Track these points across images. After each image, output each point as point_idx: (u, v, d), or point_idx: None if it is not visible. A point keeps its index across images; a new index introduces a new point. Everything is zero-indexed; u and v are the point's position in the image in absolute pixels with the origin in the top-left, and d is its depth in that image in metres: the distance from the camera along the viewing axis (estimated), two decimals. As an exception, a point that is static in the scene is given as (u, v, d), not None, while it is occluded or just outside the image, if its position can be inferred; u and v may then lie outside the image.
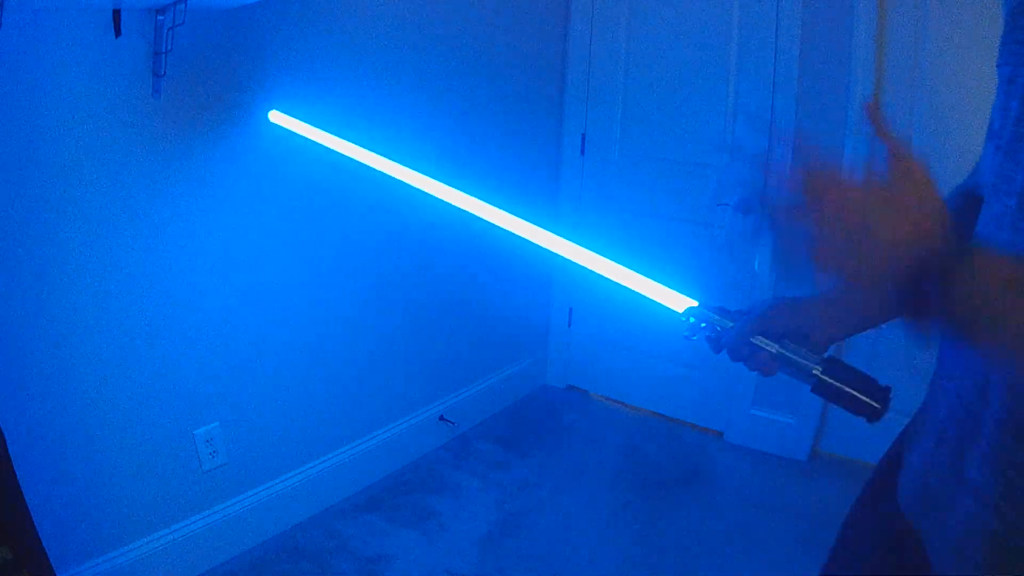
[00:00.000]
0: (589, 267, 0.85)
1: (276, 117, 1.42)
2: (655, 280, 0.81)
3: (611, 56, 2.45)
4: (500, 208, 0.92)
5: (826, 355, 0.69)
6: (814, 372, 0.68)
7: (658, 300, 0.80)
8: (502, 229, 0.89)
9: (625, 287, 0.83)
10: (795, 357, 0.69)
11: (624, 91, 2.45)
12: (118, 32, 1.29)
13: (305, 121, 1.35)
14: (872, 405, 0.65)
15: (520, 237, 0.87)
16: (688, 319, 0.76)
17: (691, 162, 2.35)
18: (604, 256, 0.85)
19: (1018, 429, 0.50)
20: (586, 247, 0.85)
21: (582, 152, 2.58)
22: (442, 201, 0.99)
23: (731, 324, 0.74)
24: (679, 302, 0.78)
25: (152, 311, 1.50)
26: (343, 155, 1.21)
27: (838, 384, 0.67)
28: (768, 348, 0.71)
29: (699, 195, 2.34)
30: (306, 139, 1.33)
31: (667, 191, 2.42)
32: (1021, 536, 0.49)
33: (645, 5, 2.34)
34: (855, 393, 0.66)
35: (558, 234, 0.88)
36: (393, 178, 1.10)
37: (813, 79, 2.07)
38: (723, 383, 2.45)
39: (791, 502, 2.10)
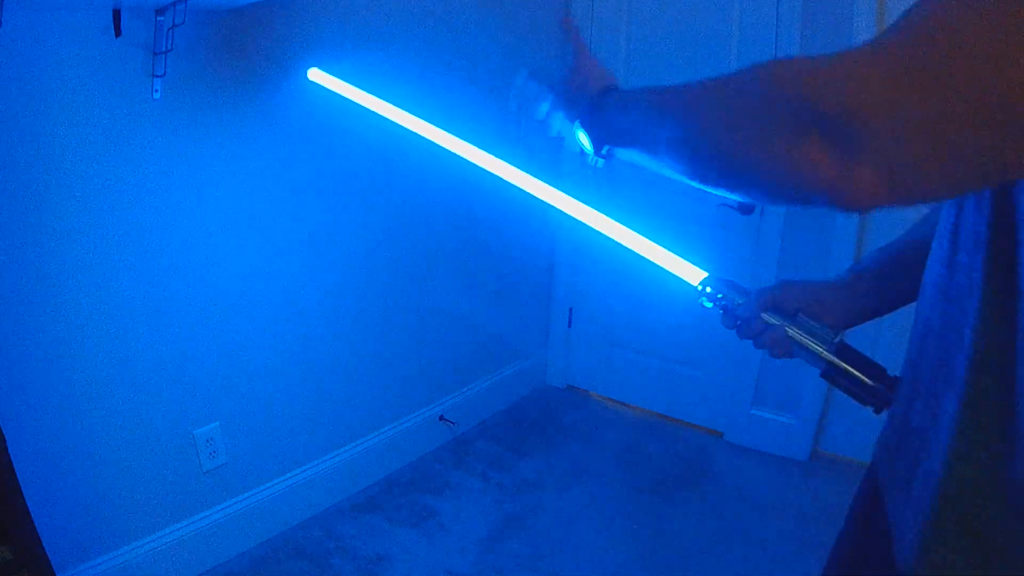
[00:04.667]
0: (607, 233, 0.86)
1: (315, 75, 1.30)
2: (670, 251, 0.83)
3: (611, 56, 2.44)
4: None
5: (837, 339, 0.68)
6: (824, 354, 0.66)
7: (672, 271, 0.81)
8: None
9: (637, 268, 0.85)
10: (807, 337, 0.68)
11: (624, 91, 2.45)
12: (118, 32, 1.29)
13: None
14: (880, 394, 0.64)
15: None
16: (705, 288, 0.77)
17: (691, 162, 2.35)
18: (619, 222, 0.86)
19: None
20: (607, 216, 0.87)
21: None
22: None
23: (742, 300, 0.74)
24: (693, 273, 0.80)
25: (152, 311, 1.50)
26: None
27: (849, 368, 0.65)
28: (778, 324, 0.70)
29: (699, 195, 2.34)
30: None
31: (667, 191, 2.41)
32: (970, 485, 0.51)
33: (645, 5, 2.34)
34: (865, 379, 0.64)
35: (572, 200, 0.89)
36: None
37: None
38: (723, 383, 2.45)
39: (791, 502, 2.10)
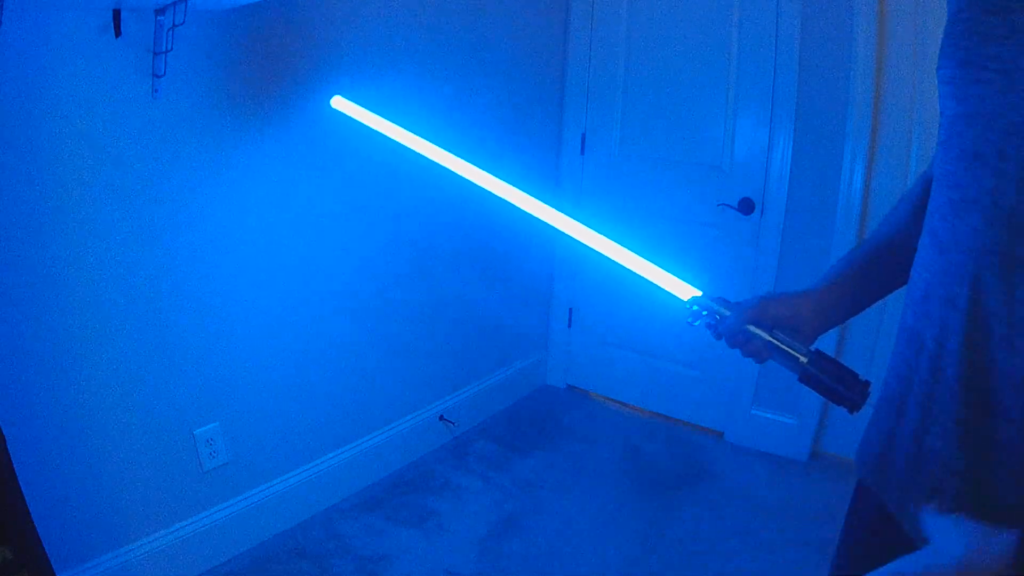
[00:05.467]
0: (601, 251, 0.90)
1: (338, 103, 1.34)
2: (663, 269, 0.87)
3: (611, 56, 2.45)
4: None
5: (813, 347, 0.75)
6: (801, 361, 0.75)
7: (665, 288, 0.86)
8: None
9: (634, 276, 0.88)
10: (784, 347, 0.76)
11: (624, 91, 2.45)
12: (118, 32, 1.29)
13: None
14: (851, 397, 0.72)
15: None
16: (692, 307, 0.84)
17: (691, 162, 2.35)
18: (615, 242, 0.90)
19: (974, 400, 0.53)
20: (599, 233, 0.90)
21: (582, 152, 2.58)
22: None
23: (729, 313, 0.81)
24: (684, 291, 0.84)
25: (152, 311, 1.50)
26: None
27: (821, 375, 0.74)
28: (761, 336, 0.78)
29: (699, 195, 2.34)
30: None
31: (667, 191, 2.42)
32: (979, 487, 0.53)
33: (645, 5, 2.35)
34: (837, 385, 0.73)
35: (571, 219, 0.92)
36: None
37: (813, 78, 2.07)
38: (723, 383, 2.45)
39: (791, 502, 2.10)
